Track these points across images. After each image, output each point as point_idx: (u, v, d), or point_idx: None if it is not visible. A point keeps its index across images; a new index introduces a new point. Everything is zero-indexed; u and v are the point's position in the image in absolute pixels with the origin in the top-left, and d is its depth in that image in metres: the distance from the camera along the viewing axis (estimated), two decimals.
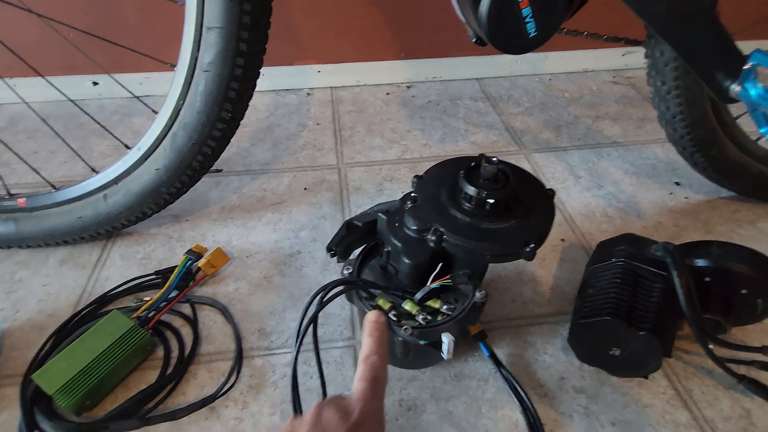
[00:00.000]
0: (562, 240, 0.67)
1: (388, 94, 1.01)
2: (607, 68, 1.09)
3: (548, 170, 0.80)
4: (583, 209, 0.72)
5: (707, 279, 0.48)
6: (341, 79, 1.03)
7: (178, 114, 0.52)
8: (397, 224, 0.46)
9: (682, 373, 0.51)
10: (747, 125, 0.67)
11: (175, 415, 0.46)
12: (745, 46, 0.52)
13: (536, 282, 0.61)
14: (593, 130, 0.90)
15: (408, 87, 1.03)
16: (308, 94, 1.01)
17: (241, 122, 0.56)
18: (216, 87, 0.50)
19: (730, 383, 0.50)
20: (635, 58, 1.08)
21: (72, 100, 0.67)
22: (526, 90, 1.03)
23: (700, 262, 0.49)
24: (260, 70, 0.52)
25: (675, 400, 0.49)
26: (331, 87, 1.03)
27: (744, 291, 0.47)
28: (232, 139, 0.57)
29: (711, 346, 0.45)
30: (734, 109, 0.64)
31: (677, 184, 0.77)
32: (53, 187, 0.62)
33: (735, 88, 0.49)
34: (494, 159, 0.44)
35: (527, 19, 0.46)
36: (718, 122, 0.62)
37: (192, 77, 0.50)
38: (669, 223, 0.70)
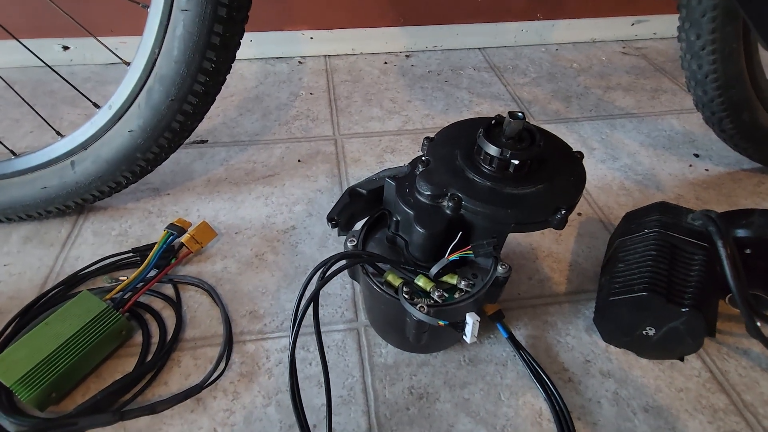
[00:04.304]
0: (579, 214, 0.62)
1: (385, 63, 0.94)
2: (616, 38, 1.03)
3: None
4: (599, 182, 0.67)
5: (747, 251, 0.44)
6: (335, 47, 0.95)
7: (153, 65, 0.45)
8: (407, 190, 0.41)
9: (717, 354, 0.47)
10: None
11: (155, 408, 0.41)
12: None
13: (553, 258, 0.57)
14: (605, 101, 0.85)
15: (407, 56, 0.97)
16: (300, 62, 0.94)
17: (228, 91, 0.50)
18: (197, 30, 0.42)
19: None
20: (645, 27, 1.03)
21: (45, 62, 0.59)
22: (532, 60, 0.97)
23: (741, 233, 0.44)
24: (248, 12, 0.45)
25: (711, 383, 0.45)
26: (325, 55, 0.96)
27: None
28: (217, 109, 0.50)
29: (758, 324, 0.41)
30: None
31: (696, 155, 0.73)
32: (13, 153, 0.55)
33: None
34: (519, 114, 0.38)
35: None
36: (752, 83, 0.57)
37: (169, 19, 0.43)
38: (690, 196, 0.66)
